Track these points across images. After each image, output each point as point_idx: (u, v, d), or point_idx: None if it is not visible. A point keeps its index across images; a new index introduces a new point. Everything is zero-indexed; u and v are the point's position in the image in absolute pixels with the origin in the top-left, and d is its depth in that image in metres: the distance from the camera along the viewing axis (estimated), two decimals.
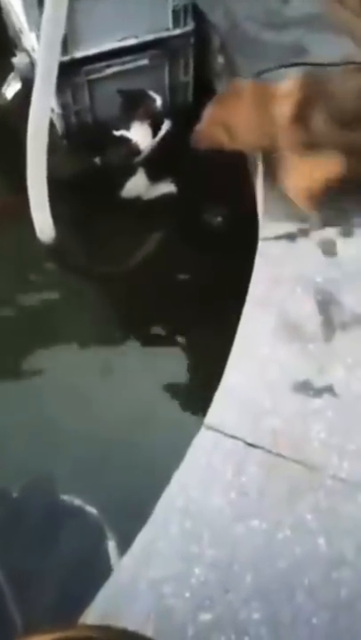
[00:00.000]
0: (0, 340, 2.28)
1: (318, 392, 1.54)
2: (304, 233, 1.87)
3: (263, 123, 1.92)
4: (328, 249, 1.83)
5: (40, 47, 1.94)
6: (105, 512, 1.91)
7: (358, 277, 1.75)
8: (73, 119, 2.62)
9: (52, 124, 2.66)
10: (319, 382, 1.56)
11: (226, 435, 1.47)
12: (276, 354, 1.61)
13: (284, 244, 1.85)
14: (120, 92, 2.49)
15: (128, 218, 2.56)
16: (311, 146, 1.87)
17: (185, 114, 2.78)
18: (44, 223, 2.35)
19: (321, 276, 1.76)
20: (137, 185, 2.56)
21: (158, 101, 2.48)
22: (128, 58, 2.50)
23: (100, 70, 2.50)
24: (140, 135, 2.50)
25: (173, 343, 2.31)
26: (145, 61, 2.55)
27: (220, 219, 2.65)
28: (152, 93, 2.48)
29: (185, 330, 2.33)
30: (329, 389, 1.55)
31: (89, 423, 2.07)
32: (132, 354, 2.31)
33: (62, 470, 1.97)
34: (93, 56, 2.45)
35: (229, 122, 1.97)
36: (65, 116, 2.60)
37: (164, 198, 2.65)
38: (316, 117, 1.84)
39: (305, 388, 1.55)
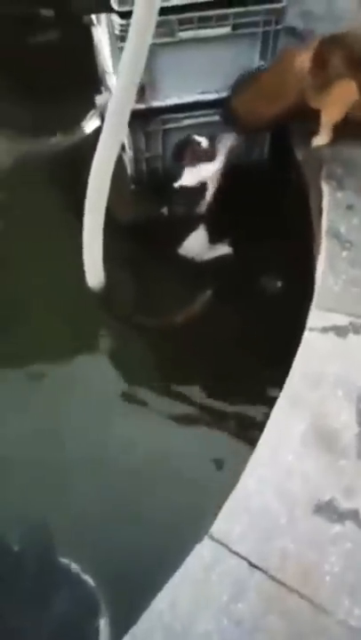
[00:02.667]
0: (27, 382, 2.23)
1: (341, 517, 1.40)
2: (356, 329, 1.73)
3: (290, 79, 2.21)
4: None
5: (114, 93, 1.91)
6: (102, 581, 1.83)
7: None
8: (143, 165, 2.59)
9: (123, 167, 2.65)
10: (344, 505, 1.41)
11: (230, 550, 1.35)
12: (302, 464, 1.48)
13: (331, 337, 1.72)
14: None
15: (183, 272, 2.50)
16: (331, 82, 2.17)
17: (259, 170, 2.72)
18: (94, 269, 2.31)
19: None
20: (196, 241, 2.49)
21: (204, 142, 2.40)
22: (206, 111, 2.45)
23: (176, 121, 2.45)
24: (191, 180, 2.42)
25: (206, 412, 2.20)
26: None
27: (279, 284, 2.54)
28: (196, 136, 2.41)
29: (220, 400, 2.22)
30: (354, 515, 1.40)
31: (102, 480, 1.99)
32: (159, 414, 2.21)
33: (63, 528, 1.90)
34: (171, 106, 2.41)
35: (262, 91, 2.25)
36: (136, 161, 2.57)
37: (222, 257, 2.57)
38: (333, 60, 2.16)
39: (327, 509, 1.41)
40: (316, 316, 1.77)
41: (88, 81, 2.93)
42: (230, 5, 2.16)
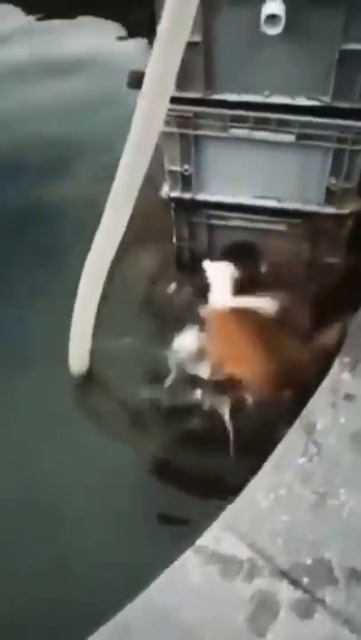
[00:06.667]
0: None
1: None
2: (250, 572, 1.31)
3: None
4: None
5: (118, 172, 1.66)
6: None
7: None
8: (186, 253, 2.32)
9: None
10: None
11: None
12: None
13: (211, 573, 1.32)
14: None
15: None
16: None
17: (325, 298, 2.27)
18: (79, 354, 2.13)
19: None
20: (183, 345, 2.15)
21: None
22: (262, 217, 2.09)
23: (223, 218, 2.14)
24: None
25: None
26: (282, 227, 2.10)
27: None
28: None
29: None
30: None
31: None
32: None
33: None
34: (218, 203, 2.10)
35: None
36: (178, 248, 2.31)
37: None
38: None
39: None
40: (213, 535, 1.38)
41: None
42: (296, 112, 1.79)
